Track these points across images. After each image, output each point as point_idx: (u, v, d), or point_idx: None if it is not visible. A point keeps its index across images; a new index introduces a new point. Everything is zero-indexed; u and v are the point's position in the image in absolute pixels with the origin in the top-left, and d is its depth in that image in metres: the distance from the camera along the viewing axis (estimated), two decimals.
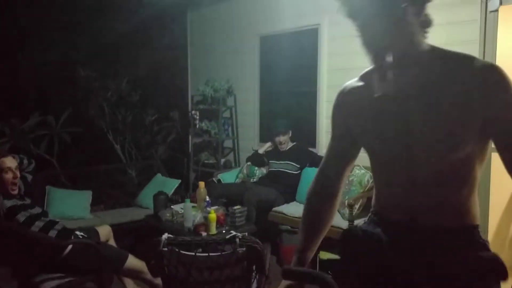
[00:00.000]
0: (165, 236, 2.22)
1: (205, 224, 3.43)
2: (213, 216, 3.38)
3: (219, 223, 3.49)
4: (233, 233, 2.22)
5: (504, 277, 1.15)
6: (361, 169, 3.70)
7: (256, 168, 4.72)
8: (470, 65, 1.14)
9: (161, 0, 5.20)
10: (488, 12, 3.16)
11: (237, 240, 2.20)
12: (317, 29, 4.44)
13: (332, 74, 4.36)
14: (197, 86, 5.51)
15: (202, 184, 3.81)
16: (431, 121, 1.15)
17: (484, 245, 1.22)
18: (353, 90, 1.33)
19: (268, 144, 4.69)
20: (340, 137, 1.39)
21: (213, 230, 3.36)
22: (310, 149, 4.47)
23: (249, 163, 4.81)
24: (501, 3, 3.11)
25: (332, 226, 1.46)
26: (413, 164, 1.19)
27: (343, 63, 4.20)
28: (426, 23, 1.17)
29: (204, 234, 3.32)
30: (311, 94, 4.54)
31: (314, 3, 4.45)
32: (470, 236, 1.21)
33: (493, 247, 1.23)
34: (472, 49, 3.21)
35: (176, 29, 5.95)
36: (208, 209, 3.57)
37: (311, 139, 4.55)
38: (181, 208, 3.70)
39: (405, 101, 1.18)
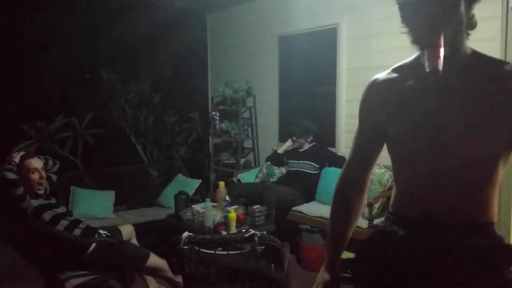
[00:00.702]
0: (186, 234, 2.26)
1: (225, 223, 3.47)
2: (233, 215, 3.41)
3: (239, 222, 3.53)
4: (252, 231, 2.25)
5: None
6: (380, 168, 3.69)
7: (276, 167, 4.75)
8: (508, 70, 1.15)
9: (181, 2, 5.28)
10: (509, 8, 3.11)
11: (256, 238, 2.23)
12: (336, 28, 4.43)
13: (351, 73, 4.35)
14: (216, 87, 5.56)
15: (222, 183, 3.86)
16: (465, 122, 1.15)
17: (500, 239, 1.22)
18: (384, 83, 1.31)
19: (288, 143, 4.68)
20: (368, 131, 1.38)
21: (233, 229, 3.40)
22: (330, 148, 4.47)
23: (268, 162, 4.83)
24: None
25: None
26: (438, 163, 1.19)
27: (362, 62, 4.19)
28: (472, 24, 1.17)
29: (224, 233, 3.36)
30: (330, 94, 4.54)
31: (332, 3, 4.46)
32: (486, 232, 1.21)
33: None
34: (493, 47, 3.16)
35: (195, 31, 6.02)
36: (228, 208, 3.61)
37: (331, 139, 4.55)
38: (202, 208, 3.75)
39: (442, 98, 1.17)
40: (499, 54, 3.15)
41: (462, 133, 1.16)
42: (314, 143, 4.48)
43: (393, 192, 1.38)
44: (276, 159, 4.74)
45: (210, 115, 5.77)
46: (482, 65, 1.18)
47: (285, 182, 4.37)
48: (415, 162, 1.25)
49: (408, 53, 1.28)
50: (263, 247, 2.22)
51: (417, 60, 1.25)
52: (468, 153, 1.16)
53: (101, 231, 3.06)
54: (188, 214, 3.75)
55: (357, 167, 1.42)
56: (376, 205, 3.50)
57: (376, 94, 1.33)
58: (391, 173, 1.48)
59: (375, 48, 4.01)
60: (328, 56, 4.53)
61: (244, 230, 3.40)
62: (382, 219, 1.42)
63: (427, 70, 1.12)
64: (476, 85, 1.16)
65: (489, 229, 1.22)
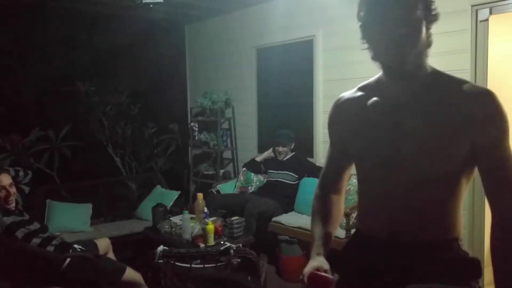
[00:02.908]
0: (160, 248, 2.25)
1: (203, 235, 3.45)
2: (210, 227, 3.40)
3: (217, 234, 3.51)
4: (228, 244, 2.25)
5: (479, 275, 1.20)
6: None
7: (253, 174, 4.75)
8: (467, 91, 1.18)
9: (159, 14, 5.28)
10: (478, 21, 3.19)
11: (232, 251, 2.23)
12: (312, 40, 4.49)
13: (328, 85, 4.40)
14: (195, 98, 5.57)
15: (200, 195, 3.85)
16: (421, 139, 1.18)
17: (466, 254, 1.24)
18: (348, 101, 1.36)
19: (268, 152, 4.73)
20: (336, 145, 1.43)
21: (211, 242, 3.38)
22: (308, 159, 4.50)
23: (244, 168, 4.85)
24: (491, 13, 3.14)
25: None
26: (398, 181, 1.22)
27: (339, 74, 4.24)
28: (430, 43, 1.21)
29: (202, 245, 3.35)
30: (308, 105, 4.58)
31: (308, 15, 4.51)
32: (451, 248, 1.24)
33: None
34: (464, 59, 3.25)
35: (174, 42, 6.02)
36: (206, 220, 3.60)
37: (309, 149, 4.58)
38: (180, 220, 3.72)
39: (401, 117, 1.21)
40: (469, 65, 3.23)
41: (420, 151, 1.18)
42: (294, 153, 4.51)
43: (358, 209, 1.40)
44: (253, 166, 4.76)
45: (189, 126, 5.77)
46: (441, 84, 1.22)
47: (265, 193, 4.37)
48: (376, 180, 1.28)
49: None
50: (239, 259, 2.22)
51: (379, 79, 1.29)
52: (427, 170, 1.18)
53: (76, 246, 3.02)
54: (166, 226, 3.72)
55: (331, 178, 1.46)
56: (353, 215, 3.52)
57: (340, 112, 1.38)
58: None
59: (351, 60, 4.05)
60: (305, 68, 4.57)
61: (222, 242, 3.38)
62: None
63: (373, 104, 1.21)
64: (435, 103, 1.19)
65: (454, 245, 1.24)
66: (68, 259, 2.78)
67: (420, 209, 1.21)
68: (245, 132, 5.39)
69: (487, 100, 1.15)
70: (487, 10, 3.16)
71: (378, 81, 1.30)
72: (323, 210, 1.41)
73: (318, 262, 1.27)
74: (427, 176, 1.19)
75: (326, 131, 1.48)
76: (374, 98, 1.28)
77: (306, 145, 4.59)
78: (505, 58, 3.48)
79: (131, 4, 4.14)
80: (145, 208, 4.60)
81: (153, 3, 3.95)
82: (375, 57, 1.21)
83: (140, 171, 5.68)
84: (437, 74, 1.24)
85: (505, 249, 1.14)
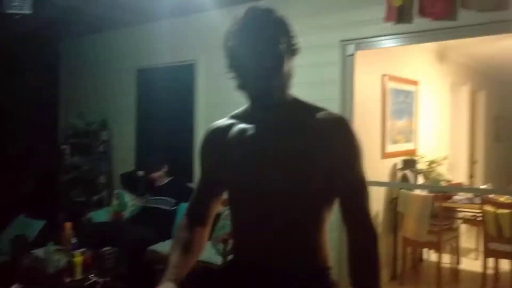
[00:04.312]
0: (15, 287, 2.00)
1: (70, 268, 3.16)
2: (78, 259, 3.14)
3: (86, 267, 3.24)
4: (93, 279, 2.07)
5: None
6: None
7: (128, 197, 4.49)
8: (325, 118, 1.24)
9: (29, 28, 4.86)
10: (346, 56, 3.47)
11: (98, 287, 2.06)
12: (194, 64, 4.48)
13: (209, 110, 4.40)
14: (68, 119, 5.20)
15: (68, 224, 3.56)
16: (283, 165, 1.21)
17: (335, 284, 1.27)
18: (218, 129, 1.38)
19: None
20: (207, 175, 1.43)
21: (79, 275, 3.11)
22: (188, 184, 4.42)
23: (117, 191, 4.59)
24: (356, 49, 3.44)
25: (207, 262, 1.44)
26: (263, 208, 1.22)
27: (220, 99, 4.26)
28: (292, 74, 1.26)
29: (68, 280, 3.06)
30: (189, 129, 4.52)
31: (190, 39, 4.50)
32: (321, 277, 1.25)
33: None
34: (333, 89, 3.48)
35: (46, 58, 5.58)
36: (74, 252, 3.30)
37: (189, 174, 4.51)
38: (44, 252, 3.37)
39: (266, 143, 1.24)
40: (338, 95, 3.46)
41: (282, 177, 1.21)
42: (172, 177, 4.39)
43: (232, 236, 1.39)
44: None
45: (60, 148, 5.34)
46: (301, 112, 1.27)
47: (140, 220, 4.16)
48: (245, 207, 1.29)
49: None
50: None
51: (247, 109, 1.35)
52: (290, 196, 1.21)
53: None
54: (26, 260, 3.34)
55: (199, 207, 1.44)
56: (230, 241, 3.51)
57: (210, 140, 1.40)
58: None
59: (232, 86, 4.09)
60: (187, 92, 4.53)
61: (91, 276, 3.12)
62: None
63: (239, 135, 1.27)
64: (295, 131, 1.23)
65: (324, 274, 1.26)
66: None
67: (286, 236, 1.22)
68: (122, 156, 5.13)
69: (342, 127, 1.22)
70: (353, 46, 3.45)
71: (246, 110, 1.35)
72: (186, 241, 1.36)
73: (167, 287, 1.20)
74: (291, 202, 1.21)
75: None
76: (242, 127, 1.31)
77: (186, 170, 4.51)
78: (368, 88, 3.82)
79: None
80: (4, 241, 4.10)
81: (19, 14, 3.60)
82: (241, 86, 1.27)
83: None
84: (298, 103, 1.30)
85: (358, 266, 1.19)
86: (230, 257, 3.35)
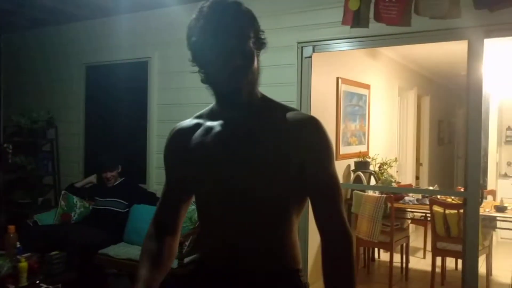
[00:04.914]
0: None
1: (15, 275, 2.98)
2: (24, 265, 2.95)
3: (33, 273, 3.06)
4: (40, 285, 1.95)
5: None
6: (192, 205, 3.66)
7: (76, 198, 4.31)
8: (295, 117, 1.21)
9: None
10: (303, 57, 3.50)
11: None
12: (147, 62, 4.36)
13: (162, 109, 4.30)
14: (11, 116, 4.91)
15: (12, 228, 3.33)
16: (253, 164, 1.17)
17: (305, 286, 1.25)
18: (183, 130, 1.31)
19: (90, 178, 4.41)
20: (173, 179, 1.35)
21: (24, 282, 2.93)
22: (140, 185, 4.29)
23: (64, 192, 4.38)
24: (313, 51, 3.48)
25: None
26: (233, 208, 1.19)
27: (174, 98, 4.19)
28: (260, 70, 1.22)
29: (12, 287, 2.88)
30: (142, 129, 4.40)
31: (144, 36, 4.38)
32: (291, 279, 1.23)
33: None
34: (292, 90, 3.51)
35: None
36: (18, 257, 3.12)
37: (142, 175, 4.38)
38: None
39: (235, 141, 1.20)
40: (295, 96, 3.49)
41: (251, 176, 1.18)
42: (124, 178, 4.25)
43: (200, 238, 1.34)
44: (71, 192, 4.36)
45: (1, 147, 5.04)
46: (270, 110, 1.25)
47: (90, 222, 4.00)
48: (211, 209, 1.25)
49: None
50: None
51: (213, 107, 1.30)
52: (259, 195, 1.18)
53: None
54: None
55: (167, 214, 1.37)
56: (187, 243, 3.44)
57: (175, 141, 1.33)
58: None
59: (186, 85, 4.02)
60: (140, 90, 4.40)
61: (37, 282, 2.95)
62: (192, 257, 1.37)
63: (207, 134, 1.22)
64: (266, 129, 1.20)
65: (294, 276, 1.23)
66: None
67: (254, 236, 1.19)
68: (70, 156, 4.92)
69: (314, 126, 1.20)
70: (310, 48, 3.48)
71: (212, 109, 1.29)
72: (154, 253, 1.29)
73: None
74: (259, 201, 1.18)
75: (160, 156, 1.40)
76: (209, 126, 1.26)
77: (139, 171, 4.38)
78: (323, 91, 3.88)
79: None
80: None
81: None
82: (206, 83, 1.21)
83: None
84: (267, 101, 1.27)
85: (334, 270, 1.17)
86: (186, 259, 3.29)
